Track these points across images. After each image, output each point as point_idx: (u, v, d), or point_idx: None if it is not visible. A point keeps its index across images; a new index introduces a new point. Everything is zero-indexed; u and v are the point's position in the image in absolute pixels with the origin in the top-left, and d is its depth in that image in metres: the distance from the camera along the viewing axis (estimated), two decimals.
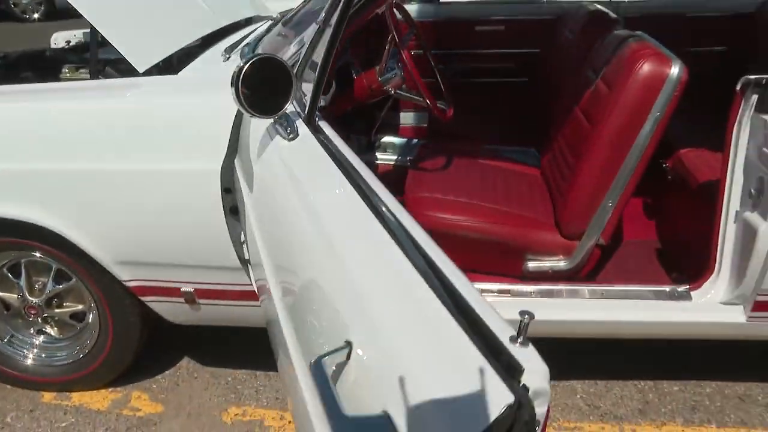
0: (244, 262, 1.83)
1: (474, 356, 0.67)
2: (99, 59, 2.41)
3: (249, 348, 2.36)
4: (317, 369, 0.79)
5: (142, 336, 2.10)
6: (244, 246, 1.83)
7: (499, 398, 0.62)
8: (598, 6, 2.59)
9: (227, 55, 1.97)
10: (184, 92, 1.81)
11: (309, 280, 1.03)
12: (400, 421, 0.68)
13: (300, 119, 1.36)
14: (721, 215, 1.76)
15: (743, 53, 2.83)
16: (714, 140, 2.18)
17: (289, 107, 1.38)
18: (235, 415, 2.10)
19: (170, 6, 2.26)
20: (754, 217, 1.67)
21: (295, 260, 1.11)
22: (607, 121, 1.81)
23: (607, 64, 1.93)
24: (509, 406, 0.60)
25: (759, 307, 1.73)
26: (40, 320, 2.13)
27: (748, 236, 1.70)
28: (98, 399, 2.17)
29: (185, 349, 2.39)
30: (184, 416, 2.10)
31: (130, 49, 1.93)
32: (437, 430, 0.65)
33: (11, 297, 2.11)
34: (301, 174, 1.23)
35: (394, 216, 0.97)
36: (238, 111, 1.66)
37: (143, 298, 1.96)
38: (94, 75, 2.12)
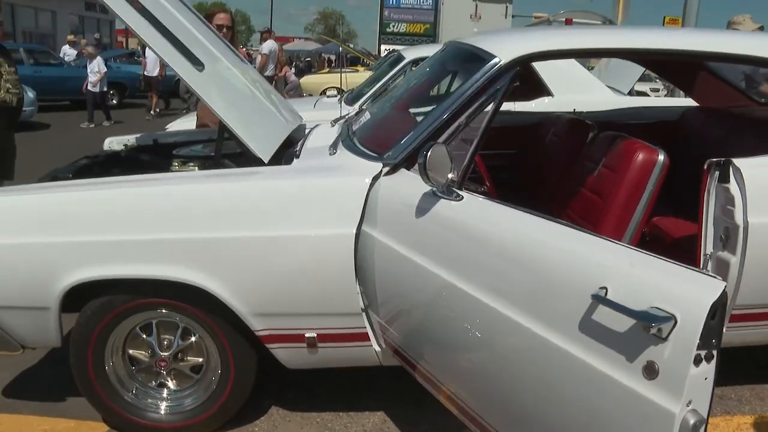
0: (359, 309, 2.32)
1: (688, 273, 1.32)
2: (188, 154, 2.95)
3: (326, 394, 2.79)
4: (597, 297, 1.39)
5: (255, 381, 2.49)
6: (359, 296, 2.33)
7: (716, 286, 1.26)
8: (571, 115, 3.43)
9: (334, 151, 2.55)
10: (315, 176, 2.35)
11: (537, 269, 1.64)
12: (667, 306, 1.29)
13: (454, 186, 1.96)
14: (700, 256, 2.48)
15: (671, 151, 3.73)
16: (676, 209, 2.97)
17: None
18: None
19: (266, 115, 2.85)
20: (724, 254, 2.39)
21: (516, 265, 1.69)
22: (616, 196, 2.52)
23: (606, 155, 2.68)
24: (725, 288, 1.23)
25: (729, 320, 2.43)
26: (164, 373, 2.47)
27: (721, 269, 2.41)
28: None
29: (269, 398, 2.77)
30: None
31: (255, 143, 2.50)
32: (696, 301, 1.26)
33: (140, 353, 2.46)
34: (483, 221, 1.83)
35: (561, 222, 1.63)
36: (369, 188, 2.24)
37: (269, 345, 2.37)
38: (216, 165, 2.62)
